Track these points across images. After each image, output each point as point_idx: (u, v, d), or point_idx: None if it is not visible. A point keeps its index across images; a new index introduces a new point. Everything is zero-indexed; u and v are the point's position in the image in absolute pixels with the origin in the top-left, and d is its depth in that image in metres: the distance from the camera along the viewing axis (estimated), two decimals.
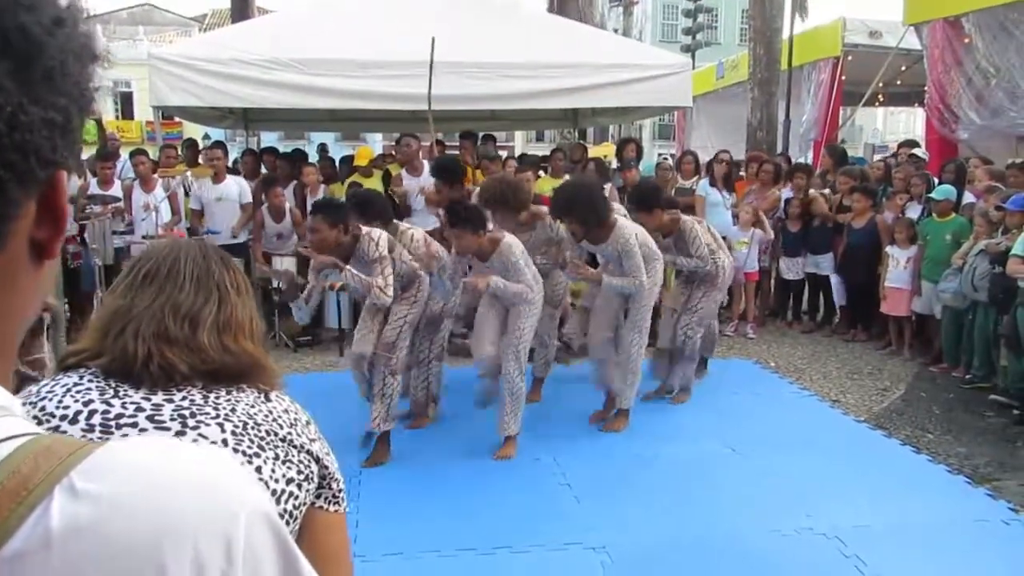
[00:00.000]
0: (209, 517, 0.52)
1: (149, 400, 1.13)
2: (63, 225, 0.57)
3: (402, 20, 7.38)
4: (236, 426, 1.14)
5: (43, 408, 1.12)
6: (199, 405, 1.14)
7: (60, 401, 1.12)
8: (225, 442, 1.12)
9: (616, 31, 24.55)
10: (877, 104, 15.00)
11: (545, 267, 5.13)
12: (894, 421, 5.30)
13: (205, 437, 1.11)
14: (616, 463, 4.50)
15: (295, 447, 1.20)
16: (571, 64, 7.57)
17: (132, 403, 1.12)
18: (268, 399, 1.22)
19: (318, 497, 1.24)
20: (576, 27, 9.30)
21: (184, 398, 1.14)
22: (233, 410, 1.15)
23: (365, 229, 4.36)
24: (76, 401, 1.11)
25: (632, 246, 4.70)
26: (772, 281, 8.27)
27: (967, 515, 3.90)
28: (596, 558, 3.45)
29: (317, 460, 1.23)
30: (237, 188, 7.37)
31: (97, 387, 1.14)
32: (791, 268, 7.90)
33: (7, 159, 0.50)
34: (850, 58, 11.12)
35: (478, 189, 5.32)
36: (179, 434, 1.10)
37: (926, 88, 9.73)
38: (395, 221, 4.99)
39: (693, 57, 17.39)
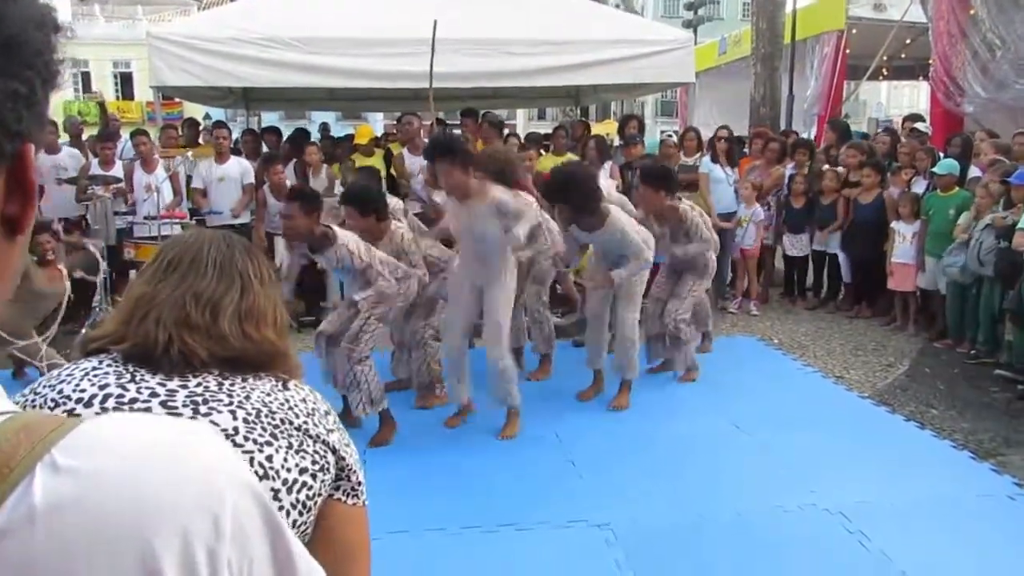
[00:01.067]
0: (194, 491, 0.52)
1: (164, 386, 1.13)
2: (33, 199, 0.56)
3: None
4: (249, 413, 1.14)
5: (60, 391, 1.13)
6: (212, 392, 1.14)
7: (77, 384, 1.12)
8: (236, 430, 1.12)
9: (618, 6, 24.33)
10: (881, 78, 14.86)
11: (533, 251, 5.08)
12: (898, 397, 5.29)
13: (216, 424, 1.11)
14: (620, 440, 4.51)
15: (310, 437, 1.19)
16: (573, 41, 7.51)
17: (147, 388, 1.13)
18: (286, 388, 1.21)
19: (336, 489, 1.23)
20: (577, 3, 9.18)
21: (199, 384, 1.14)
22: (247, 397, 1.15)
23: (340, 238, 4.29)
24: (92, 385, 1.12)
25: (628, 231, 4.72)
26: (775, 258, 8.25)
27: (972, 490, 3.91)
28: (600, 535, 3.46)
29: (334, 451, 1.22)
30: (239, 168, 7.35)
31: (115, 372, 1.14)
32: (795, 245, 7.86)
33: None
34: (854, 31, 11.01)
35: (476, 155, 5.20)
36: (190, 419, 1.09)
37: (931, 61, 9.64)
38: (389, 219, 4.91)
39: (695, 32, 17.25)
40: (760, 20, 11.38)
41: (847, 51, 11.05)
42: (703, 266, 5.48)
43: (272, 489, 1.12)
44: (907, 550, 3.30)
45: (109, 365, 1.16)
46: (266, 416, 1.15)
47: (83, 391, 1.12)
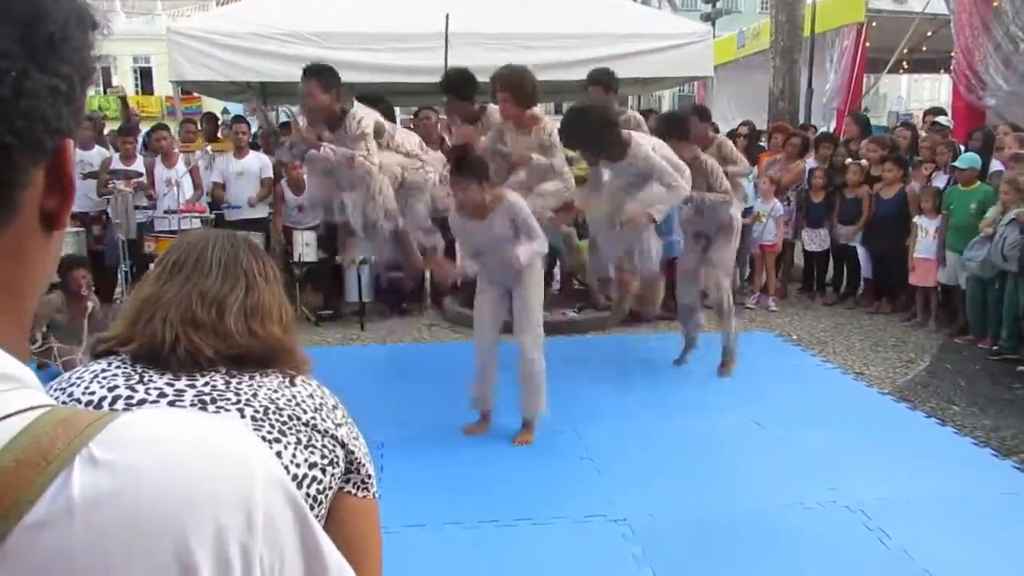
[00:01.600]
0: (227, 487, 0.52)
1: (172, 386, 1.14)
2: (72, 194, 0.57)
3: None
4: (257, 411, 1.15)
5: (71, 394, 1.14)
6: (220, 391, 1.15)
7: (87, 387, 1.14)
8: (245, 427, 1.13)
9: (636, 0, 24.22)
10: (901, 71, 14.74)
11: (546, 174, 4.78)
12: (919, 393, 5.25)
13: None
14: (638, 436, 4.50)
15: (319, 432, 1.19)
16: (590, 34, 7.49)
17: (155, 388, 1.14)
18: (293, 383, 1.21)
19: (346, 482, 1.24)
20: None
21: (206, 384, 1.15)
22: (255, 395, 1.16)
23: (354, 108, 4.33)
24: (102, 387, 1.13)
25: (653, 157, 4.50)
26: (794, 253, 8.19)
27: (994, 488, 3.87)
28: (618, 531, 3.46)
29: (343, 445, 1.22)
30: (259, 163, 7.40)
31: (124, 373, 1.15)
32: (814, 239, 7.81)
33: (14, 126, 0.50)
34: (874, 24, 10.90)
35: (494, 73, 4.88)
36: None
37: (952, 54, 9.54)
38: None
39: (713, 25, 17.11)
40: (779, 13, 11.29)
41: (867, 44, 10.94)
42: (727, 223, 5.33)
43: None
44: (928, 547, 3.28)
45: (118, 367, 1.17)
46: (274, 413, 1.16)
47: (92, 393, 1.13)
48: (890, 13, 10.79)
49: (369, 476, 1.27)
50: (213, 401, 1.14)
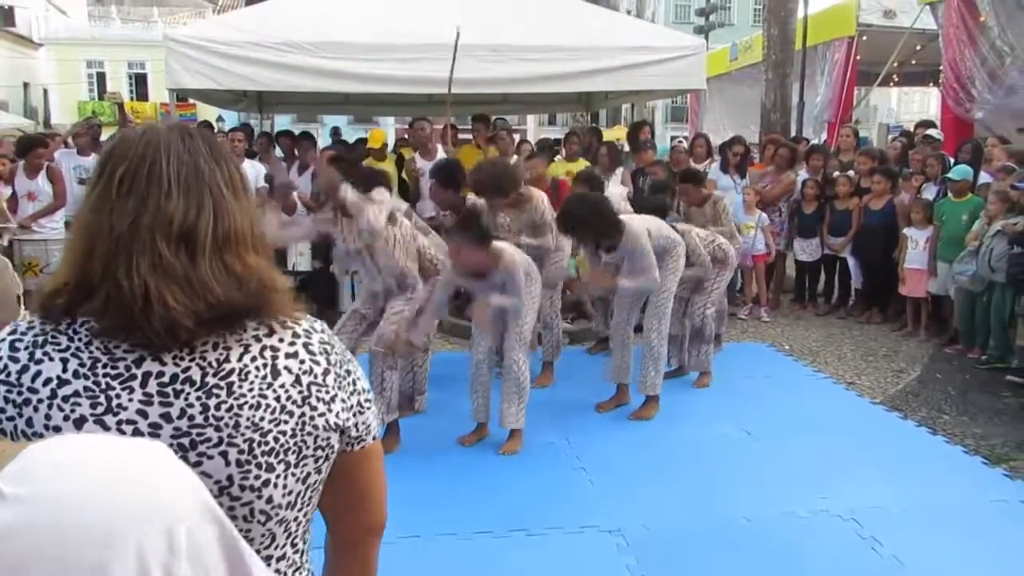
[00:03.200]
0: (147, 513, 0.52)
1: (146, 417, 0.98)
2: None
3: (416, 3, 7.36)
4: (241, 451, 1.00)
5: (30, 421, 0.96)
6: (199, 426, 0.99)
7: (47, 415, 0.96)
8: (231, 479, 1.00)
9: (629, 12, 24.36)
10: (892, 84, 14.86)
11: (538, 252, 5.08)
12: (910, 403, 5.30)
13: (209, 476, 0.99)
14: (631, 446, 4.53)
15: (309, 435, 1.06)
16: (584, 47, 7.53)
17: (128, 421, 0.97)
18: (276, 372, 1.03)
19: (345, 444, 1.13)
20: (589, 9, 9.21)
21: (183, 412, 0.99)
22: (236, 425, 1.00)
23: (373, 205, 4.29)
24: (67, 420, 0.96)
25: (643, 245, 4.63)
26: (786, 263, 8.25)
27: (984, 496, 3.91)
28: (612, 541, 3.48)
29: (336, 428, 1.09)
30: (253, 172, 7.42)
31: (87, 388, 0.97)
32: (805, 249, 7.87)
33: None
34: (865, 38, 11.01)
35: (469, 172, 5.15)
36: None
37: (941, 68, 9.64)
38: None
39: (706, 38, 17.24)
40: (771, 26, 11.39)
41: (858, 57, 11.05)
42: (720, 259, 5.55)
43: (279, 520, 1.06)
44: (919, 556, 3.31)
45: (78, 369, 0.97)
46: (259, 446, 1.01)
47: (57, 429, 0.96)
48: (880, 27, 10.90)
49: (366, 427, 1.14)
50: (193, 446, 0.99)
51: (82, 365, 0.98)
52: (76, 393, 0.96)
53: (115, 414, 0.97)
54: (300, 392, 1.05)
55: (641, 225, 4.76)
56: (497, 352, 4.68)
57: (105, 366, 0.98)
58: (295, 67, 7.12)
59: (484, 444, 4.53)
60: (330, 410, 1.08)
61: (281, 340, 1.06)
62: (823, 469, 4.16)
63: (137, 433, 0.97)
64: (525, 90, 8.46)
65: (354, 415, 1.12)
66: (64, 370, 0.97)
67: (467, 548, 3.44)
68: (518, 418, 4.44)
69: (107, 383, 0.97)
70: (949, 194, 6.71)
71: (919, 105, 29.72)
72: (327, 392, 1.08)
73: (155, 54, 12.98)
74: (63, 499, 0.49)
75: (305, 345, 1.08)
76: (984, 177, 6.86)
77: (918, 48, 11.10)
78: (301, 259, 7.00)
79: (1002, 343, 5.87)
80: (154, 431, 0.97)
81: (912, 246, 6.86)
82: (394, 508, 3.47)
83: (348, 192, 4.20)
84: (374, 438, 1.16)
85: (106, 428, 0.96)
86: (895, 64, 11.02)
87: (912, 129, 9.99)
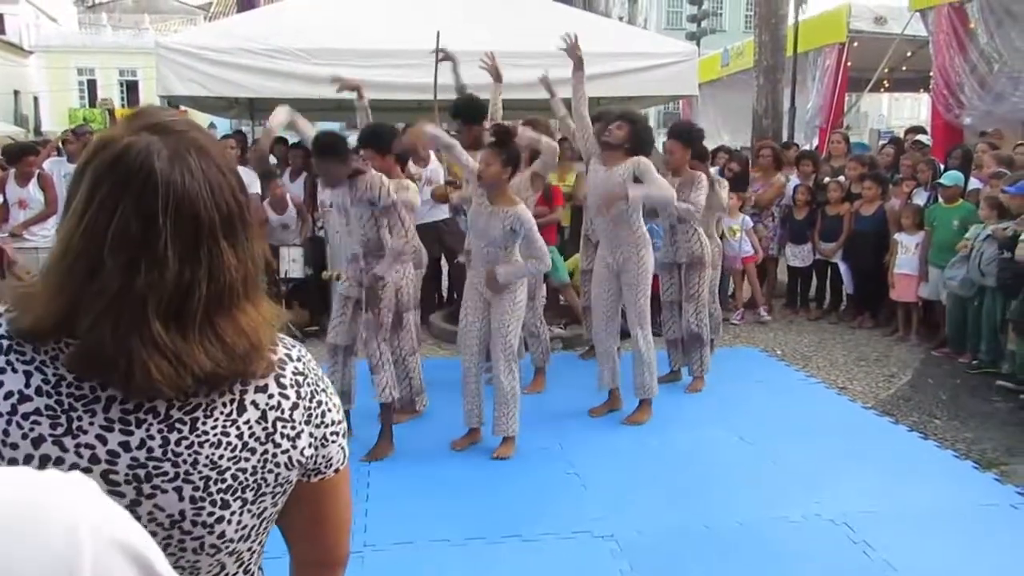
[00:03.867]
0: (47, 554, 0.49)
1: (105, 443, 0.94)
2: None
3: (407, 9, 7.38)
4: (196, 487, 0.97)
5: None
6: (157, 459, 0.95)
7: (6, 431, 0.91)
8: (183, 513, 0.97)
9: (621, 19, 24.45)
10: (882, 90, 14.94)
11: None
12: (901, 407, 5.31)
13: (163, 509, 0.97)
14: (623, 451, 4.53)
15: (269, 473, 1.03)
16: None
17: (87, 446, 0.93)
18: (242, 408, 1.00)
19: (301, 475, 1.09)
20: (581, 15, 9.27)
21: (143, 443, 0.95)
22: (195, 463, 0.97)
23: (373, 172, 4.38)
24: (25, 438, 0.92)
25: (652, 168, 4.70)
26: (777, 269, 8.28)
27: (975, 500, 3.93)
28: (605, 546, 3.48)
29: (298, 464, 1.05)
30: (246, 178, 7.40)
31: (48, 407, 0.93)
32: (797, 255, 7.90)
33: None
34: (855, 44, 11.08)
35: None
36: (134, 503, 0.95)
37: (931, 74, 9.70)
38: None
39: (698, 44, 17.30)
40: (763, 32, 11.45)
41: (848, 64, 11.12)
42: (698, 257, 5.52)
43: (229, 552, 1.03)
44: (911, 560, 3.32)
45: (44, 382, 0.93)
46: (215, 483, 0.99)
47: (16, 448, 0.91)
48: (871, 34, 10.97)
49: (327, 460, 1.10)
50: (148, 479, 0.95)
51: (46, 381, 0.93)
52: (37, 411, 0.92)
53: (74, 436, 0.93)
54: (264, 429, 1.01)
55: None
56: (488, 358, 4.68)
57: (70, 385, 0.94)
58: (286, 73, 7.12)
59: (477, 449, 4.53)
60: (295, 447, 1.04)
61: (250, 398, 1.02)
62: (815, 473, 4.17)
63: (94, 459, 0.93)
64: (517, 96, 8.46)
65: (316, 449, 1.08)
66: (27, 384, 0.93)
67: (460, 554, 3.43)
68: (510, 426, 4.44)
69: (70, 403, 0.93)
70: (940, 200, 6.74)
71: (910, 111, 29.86)
72: (293, 428, 1.04)
73: (146, 61, 12.98)
74: None
75: (277, 378, 1.04)
76: (974, 183, 6.90)
77: (909, 54, 11.18)
78: (294, 265, 6.99)
79: (992, 347, 5.90)
80: (111, 458, 0.94)
81: (902, 251, 6.89)
82: (386, 515, 3.45)
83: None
84: (336, 471, 1.11)
85: (64, 450, 0.92)
86: (886, 70, 11.08)
87: (902, 135, 10.05)
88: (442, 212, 6.88)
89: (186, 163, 0.95)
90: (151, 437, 0.96)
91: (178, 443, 0.97)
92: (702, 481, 4.12)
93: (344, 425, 1.14)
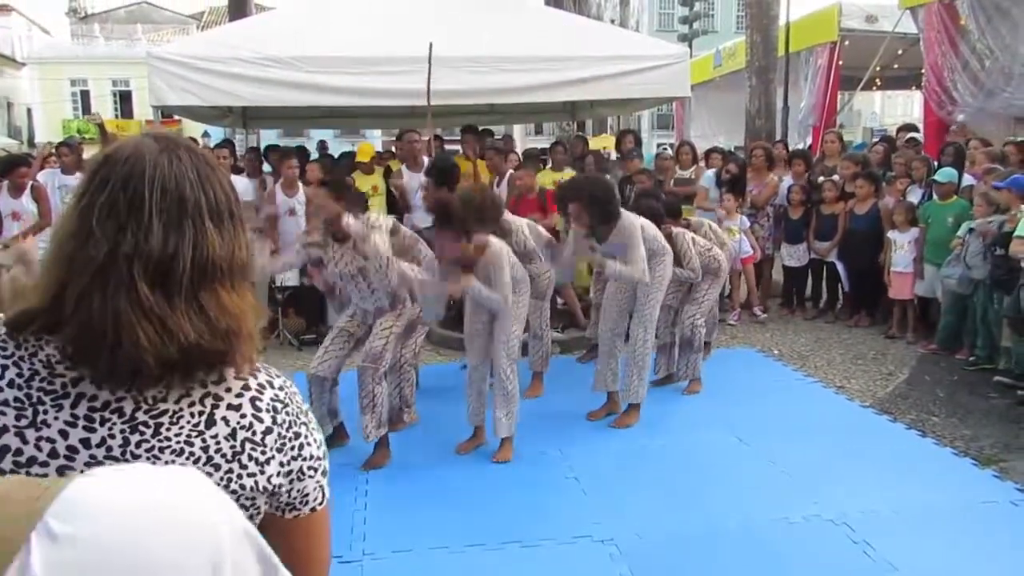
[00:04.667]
0: (193, 545, 0.51)
1: (66, 437, 0.95)
2: None
3: (399, 16, 7.38)
4: None
5: None
6: (115, 459, 0.96)
7: None
8: None
9: (613, 22, 24.46)
10: (875, 88, 14.98)
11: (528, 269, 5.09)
12: (899, 405, 5.31)
13: None
14: (622, 455, 4.52)
15: (232, 494, 1.00)
16: (569, 56, 7.56)
17: (47, 440, 0.94)
18: (211, 422, 0.99)
19: (273, 508, 1.08)
20: (573, 19, 9.27)
21: (103, 442, 0.95)
22: (156, 461, 0.97)
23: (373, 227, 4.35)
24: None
25: (636, 237, 4.65)
26: (772, 268, 8.29)
27: (975, 497, 3.92)
28: (605, 550, 3.47)
29: (265, 490, 1.03)
30: (241, 187, 7.40)
31: (17, 399, 0.95)
32: (792, 255, 7.90)
33: None
34: (847, 43, 11.11)
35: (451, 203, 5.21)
36: None
37: (923, 71, 9.73)
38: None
39: (690, 46, 17.34)
40: (754, 33, 11.47)
41: (840, 62, 11.15)
42: (714, 270, 5.58)
43: None
44: (912, 559, 3.31)
45: (19, 375, 0.96)
46: None
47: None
48: (862, 32, 11.00)
49: (303, 495, 1.08)
50: None
51: (20, 375, 0.96)
52: (5, 402, 0.94)
53: (37, 429, 0.94)
54: (232, 447, 1.00)
55: (637, 221, 4.79)
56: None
57: (43, 380, 0.96)
58: (278, 82, 7.12)
59: (475, 456, 4.52)
60: (262, 472, 1.02)
61: (228, 390, 1.01)
62: (814, 473, 4.17)
63: (53, 453, 0.94)
64: (511, 100, 8.48)
65: (291, 481, 1.06)
66: (1, 376, 0.96)
67: (460, 561, 3.42)
68: (508, 426, 4.45)
69: (39, 397, 0.95)
70: (934, 196, 6.75)
71: (902, 108, 29.96)
72: (263, 452, 1.02)
73: (139, 71, 12.95)
74: (107, 540, 0.49)
75: (252, 400, 1.03)
76: (967, 179, 6.91)
77: (900, 52, 11.21)
78: (290, 273, 6.98)
79: (988, 343, 5.90)
80: (70, 454, 0.94)
81: (896, 249, 6.90)
82: (385, 522, 3.43)
83: (351, 222, 4.26)
84: (312, 509, 1.08)
85: (24, 441, 0.93)
86: (877, 68, 11.11)
87: (894, 133, 10.07)
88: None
89: (176, 154, 1.00)
90: (112, 436, 0.96)
91: (138, 445, 0.96)
92: (701, 483, 4.12)
93: (326, 464, 1.11)
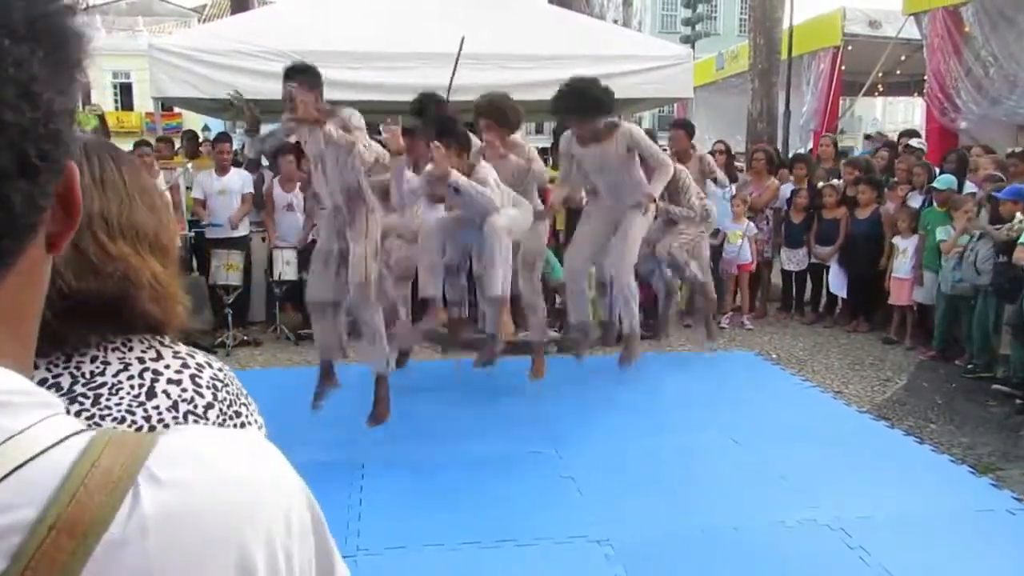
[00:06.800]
0: (272, 495, 0.55)
1: None
2: (77, 217, 0.57)
3: (401, 12, 7.37)
4: None
5: None
6: None
7: None
8: None
9: (616, 22, 24.46)
10: (876, 94, 14.98)
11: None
12: (896, 411, 5.30)
13: None
14: (618, 455, 4.50)
15: None
16: (571, 55, 7.54)
17: None
18: (152, 394, 0.99)
19: None
20: (576, 18, 9.26)
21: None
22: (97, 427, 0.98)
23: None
24: None
25: (642, 136, 4.67)
26: (771, 272, 8.27)
27: (971, 505, 3.91)
28: (600, 551, 3.45)
29: None
30: (240, 181, 7.39)
31: None
32: (792, 259, 7.89)
33: (42, 148, 0.51)
34: (850, 48, 11.11)
35: (478, 98, 5.23)
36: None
37: (926, 78, 9.72)
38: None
39: (693, 47, 17.33)
40: (757, 36, 11.47)
41: (843, 67, 11.14)
42: (704, 215, 5.72)
43: None
44: (907, 565, 3.30)
45: None
46: None
47: None
48: (865, 37, 11.00)
49: None
50: None
51: None
52: None
53: None
54: (175, 418, 0.99)
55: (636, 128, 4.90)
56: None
57: None
58: (279, 75, 7.08)
59: (470, 455, 4.49)
60: None
61: (167, 367, 1.01)
62: (811, 478, 4.15)
63: None
64: (514, 98, 8.45)
65: None
66: None
67: (455, 559, 3.40)
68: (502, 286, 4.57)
69: None
70: (934, 203, 6.74)
71: (904, 115, 29.92)
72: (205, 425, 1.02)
73: (140, 63, 12.94)
74: (205, 485, 0.52)
75: (192, 377, 1.02)
76: (969, 186, 6.90)
77: (903, 58, 11.20)
78: (287, 268, 6.96)
79: (987, 352, 5.89)
80: None
81: (898, 255, 6.89)
82: (379, 519, 3.41)
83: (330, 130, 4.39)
84: None
85: None
86: (880, 74, 11.11)
87: (895, 139, 10.06)
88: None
89: (98, 150, 1.02)
90: (56, 383, 0.95)
91: (78, 414, 0.95)
92: (697, 485, 4.10)
93: None
